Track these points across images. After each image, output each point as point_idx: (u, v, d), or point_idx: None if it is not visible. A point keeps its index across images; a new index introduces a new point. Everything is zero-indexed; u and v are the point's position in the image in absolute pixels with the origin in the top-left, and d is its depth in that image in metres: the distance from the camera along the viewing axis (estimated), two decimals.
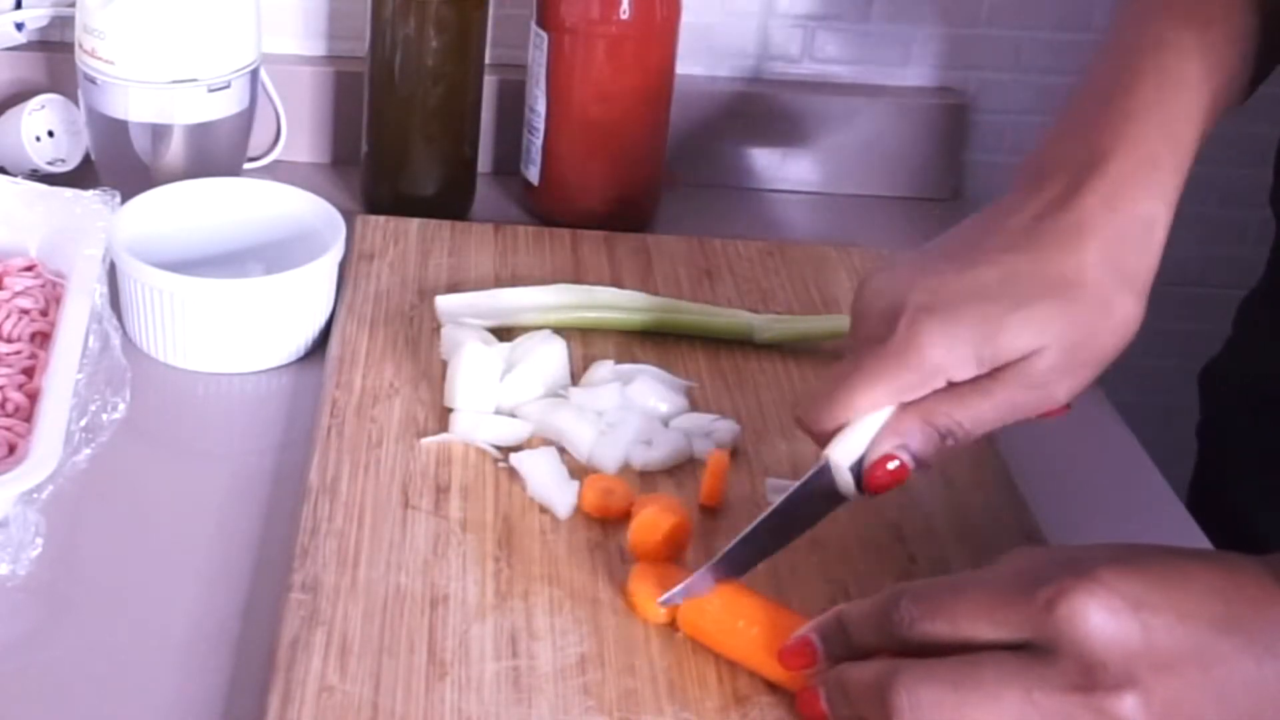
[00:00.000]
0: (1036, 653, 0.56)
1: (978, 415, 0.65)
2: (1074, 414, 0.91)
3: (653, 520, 0.71)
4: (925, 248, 0.69)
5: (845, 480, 0.66)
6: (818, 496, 0.67)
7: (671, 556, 0.71)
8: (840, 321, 0.90)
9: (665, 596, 0.68)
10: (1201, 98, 0.69)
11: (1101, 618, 0.55)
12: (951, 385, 0.65)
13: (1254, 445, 0.91)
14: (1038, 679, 0.56)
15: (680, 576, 0.69)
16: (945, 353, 0.64)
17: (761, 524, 0.68)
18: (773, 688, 0.66)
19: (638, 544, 0.71)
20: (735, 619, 0.67)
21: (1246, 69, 0.72)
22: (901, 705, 0.57)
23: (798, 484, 0.68)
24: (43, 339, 0.84)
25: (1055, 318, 0.64)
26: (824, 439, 0.67)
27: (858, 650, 0.61)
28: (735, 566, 0.68)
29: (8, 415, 0.79)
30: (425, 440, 0.80)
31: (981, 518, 0.77)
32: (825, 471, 0.67)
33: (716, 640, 0.67)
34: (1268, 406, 0.90)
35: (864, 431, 0.66)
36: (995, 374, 0.64)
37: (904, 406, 0.65)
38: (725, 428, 0.82)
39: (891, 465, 0.65)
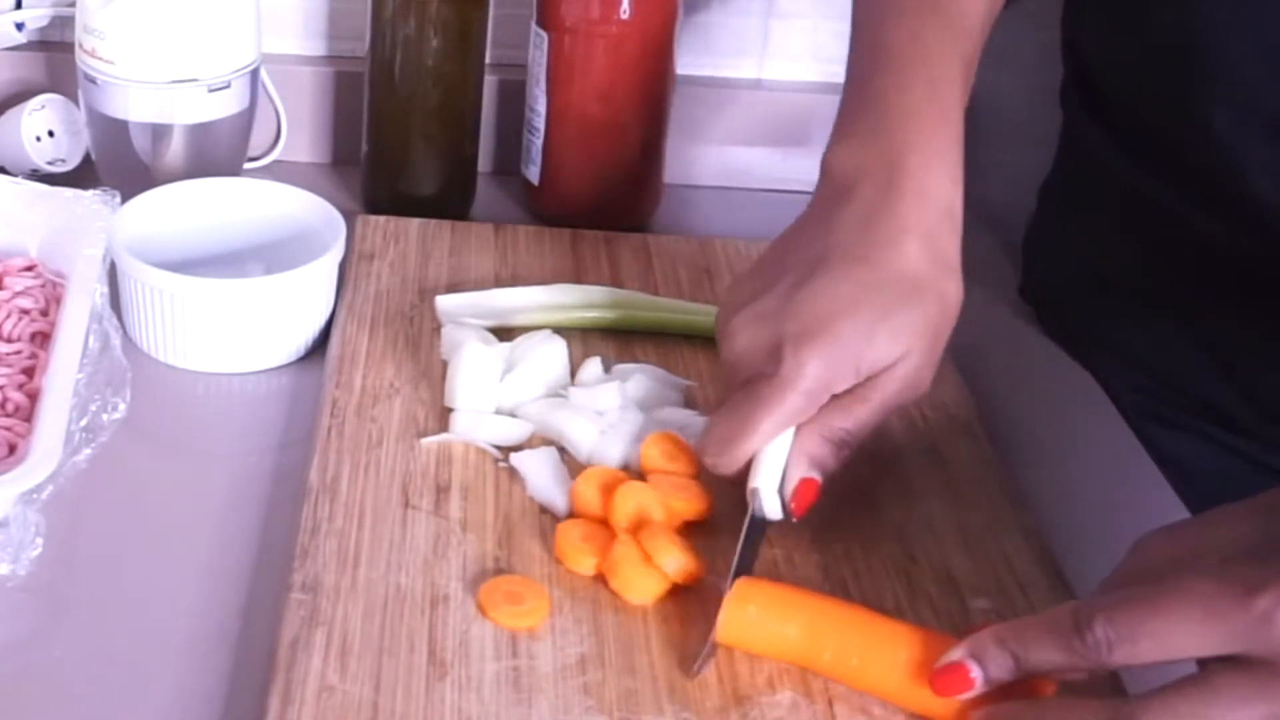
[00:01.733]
0: (1260, 667, 0.55)
1: (861, 420, 0.71)
2: (1073, 415, 0.92)
3: (595, 474, 0.75)
4: (765, 277, 0.74)
5: (774, 505, 0.71)
6: (755, 526, 0.71)
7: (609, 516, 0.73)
8: None
9: (697, 666, 0.67)
10: (958, 74, 0.77)
11: None
12: (833, 399, 0.71)
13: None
14: (1271, 695, 0.55)
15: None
16: (829, 372, 0.70)
17: (739, 562, 0.69)
18: (774, 688, 0.66)
19: (577, 498, 0.74)
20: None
21: (987, 17, 0.81)
22: None
23: (748, 519, 0.71)
24: (43, 339, 0.84)
25: (911, 320, 0.71)
26: (733, 474, 0.72)
27: (1028, 672, 0.61)
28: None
29: (8, 415, 0.79)
30: (425, 440, 0.80)
31: (982, 517, 0.77)
32: (756, 503, 0.71)
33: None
34: (1083, 281, 0.96)
35: (775, 455, 0.71)
36: (870, 380, 0.71)
37: (800, 430, 0.71)
38: (704, 424, 0.81)
39: (807, 487, 0.71)
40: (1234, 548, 0.57)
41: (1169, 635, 0.56)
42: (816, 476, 0.71)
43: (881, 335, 0.70)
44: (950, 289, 0.73)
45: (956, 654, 0.62)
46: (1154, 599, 0.57)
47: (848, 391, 0.71)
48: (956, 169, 0.75)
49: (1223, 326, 0.88)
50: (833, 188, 0.75)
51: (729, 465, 0.72)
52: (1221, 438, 0.91)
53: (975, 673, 0.61)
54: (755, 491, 0.71)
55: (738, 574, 0.68)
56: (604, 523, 0.73)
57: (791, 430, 0.71)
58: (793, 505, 0.71)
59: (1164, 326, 0.91)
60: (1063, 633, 0.59)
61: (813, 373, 0.70)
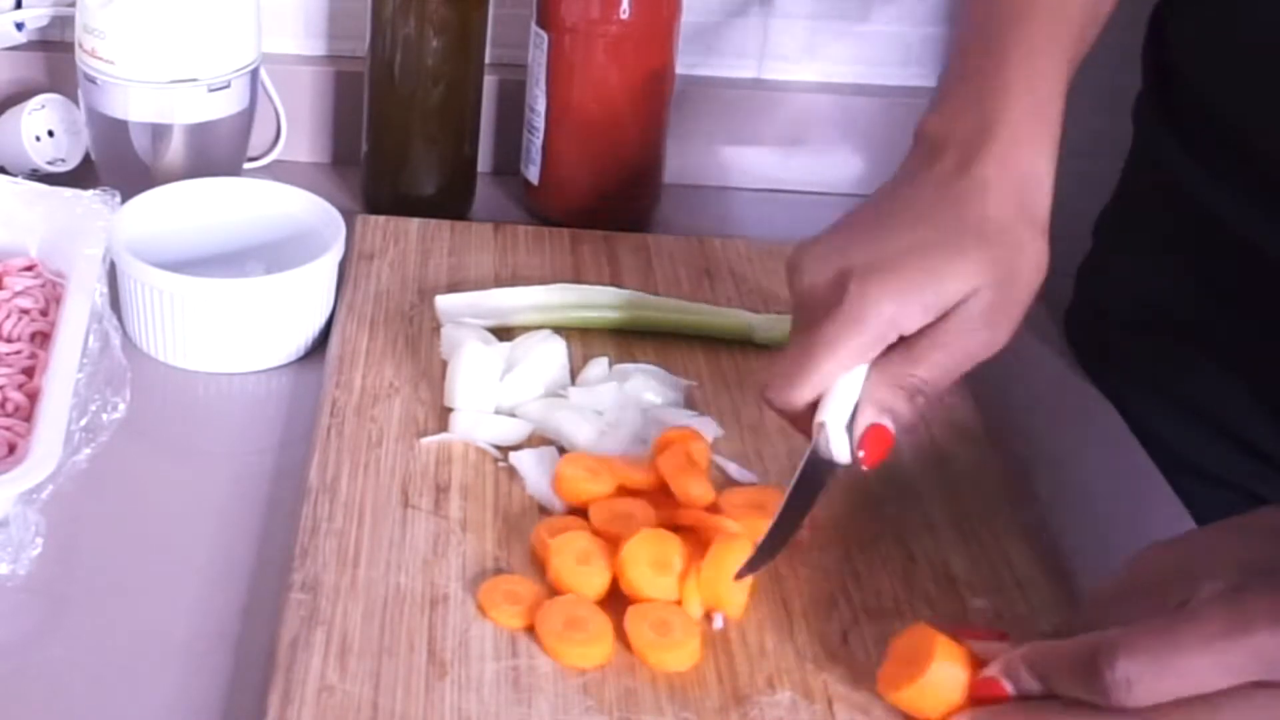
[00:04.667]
0: (1269, 689, 0.55)
1: (936, 367, 0.69)
2: (1071, 411, 0.92)
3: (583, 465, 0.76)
4: (843, 221, 0.74)
5: (841, 443, 0.69)
6: (818, 467, 0.70)
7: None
8: None
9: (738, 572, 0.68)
10: (1061, 59, 0.76)
11: None
12: (905, 343, 0.69)
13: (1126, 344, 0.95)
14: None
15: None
16: (895, 306, 0.68)
17: (788, 503, 0.69)
18: (774, 688, 0.66)
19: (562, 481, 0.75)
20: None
21: (1099, 11, 0.80)
22: None
23: (804, 459, 0.70)
24: (43, 339, 0.84)
25: (983, 259, 0.69)
26: (797, 415, 0.70)
27: (1052, 694, 0.60)
28: (771, 549, 0.69)
29: (8, 415, 0.79)
30: (425, 440, 0.80)
31: (982, 518, 0.77)
32: (822, 439, 0.69)
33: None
34: (1132, 317, 0.94)
35: (845, 392, 0.69)
36: (940, 323, 0.69)
37: (873, 375, 0.69)
38: (701, 424, 0.81)
39: (877, 433, 0.69)
40: (1243, 568, 0.57)
41: (1192, 673, 0.56)
42: (888, 424, 0.69)
43: (949, 271, 0.69)
44: (1032, 243, 0.71)
45: (992, 670, 0.62)
46: (1173, 634, 0.56)
47: (920, 336, 0.69)
48: (1049, 143, 0.74)
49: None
50: (921, 152, 0.75)
51: (789, 402, 0.70)
52: (1265, 492, 0.89)
53: (1009, 688, 0.61)
54: (821, 426, 0.69)
55: (786, 512, 0.69)
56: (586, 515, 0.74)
57: (863, 371, 0.69)
58: (861, 452, 0.69)
59: (1219, 370, 0.88)
60: (1085, 669, 0.58)
61: (877, 305, 0.68)
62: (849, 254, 0.70)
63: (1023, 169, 0.72)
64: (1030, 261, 0.71)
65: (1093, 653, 0.58)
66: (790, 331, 0.73)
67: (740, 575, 0.68)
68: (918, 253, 0.69)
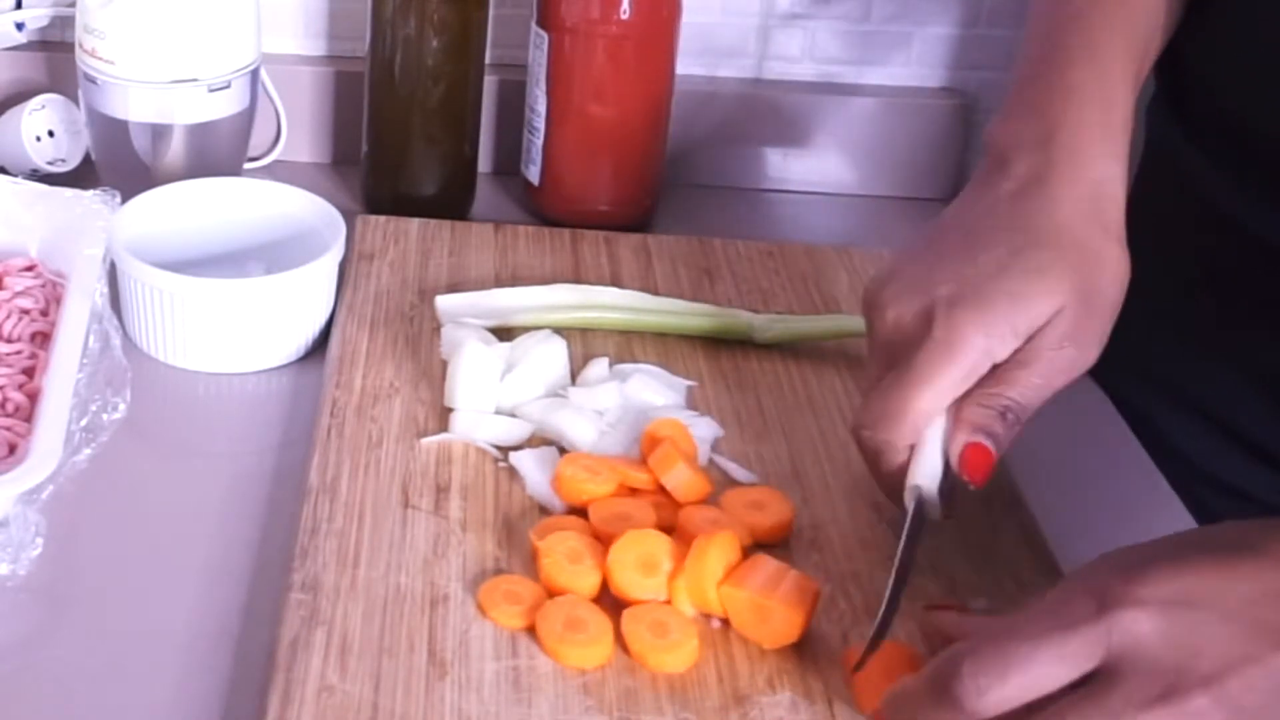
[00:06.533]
0: (1108, 679, 0.55)
1: (1025, 387, 0.68)
2: (1074, 414, 0.92)
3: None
4: (918, 248, 0.72)
5: (934, 503, 0.68)
6: (916, 526, 0.68)
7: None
8: (840, 321, 0.90)
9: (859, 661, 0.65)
10: (1127, 65, 0.76)
11: (1152, 624, 0.55)
12: (993, 369, 0.68)
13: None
14: (1118, 706, 0.55)
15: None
16: (985, 334, 0.68)
17: (898, 578, 0.67)
18: (774, 688, 0.66)
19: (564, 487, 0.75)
20: None
21: (1166, 23, 0.80)
22: None
23: (905, 531, 0.68)
24: (43, 339, 0.84)
25: (1064, 275, 0.69)
26: (889, 456, 0.69)
27: None
28: (887, 621, 0.66)
29: (8, 415, 0.79)
30: (425, 440, 0.80)
31: (981, 517, 0.77)
32: (918, 506, 0.68)
33: None
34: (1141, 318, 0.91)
35: (934, 450, 0.68)
36: (1028, 344, 0.68)
37: (963, 400, 0.68)
38: (701, 424, 0.81)
39: (975, 451, 0.68)
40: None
41: (1033, 669, 0.56)
42: (985, 442, 0.68)
43: (1033, 292, 0.68)
44: (1109, 252, 0.70)
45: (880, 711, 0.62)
46: (1009, 635, 0.57)
47: (1006, 360, 0.68)
48: (1117, 147, 0.73)
49: None
50: (990, 163, 0.74)
51: (889, 441, 0.69)
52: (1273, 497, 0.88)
53: None
54: (915, 489, 0.68)
55: (899, 578, 0.66)
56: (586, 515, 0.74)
57: (941, 425, 0.68)
58: (964, 474, 0.67)
59: (1231, 371, 0.88)
60: (939, 688, 0.58)
61: (968, 334, 0.67)
62: (932, 286, 0.69)
63: (1091, 175, 0.72)
64: (1110, 271, 0.70)
65: (942, 671, 0.57)
66: (869, 367, 0.72)
67: (861, 664, 0.65)
68: (999, 276, 0.68)
